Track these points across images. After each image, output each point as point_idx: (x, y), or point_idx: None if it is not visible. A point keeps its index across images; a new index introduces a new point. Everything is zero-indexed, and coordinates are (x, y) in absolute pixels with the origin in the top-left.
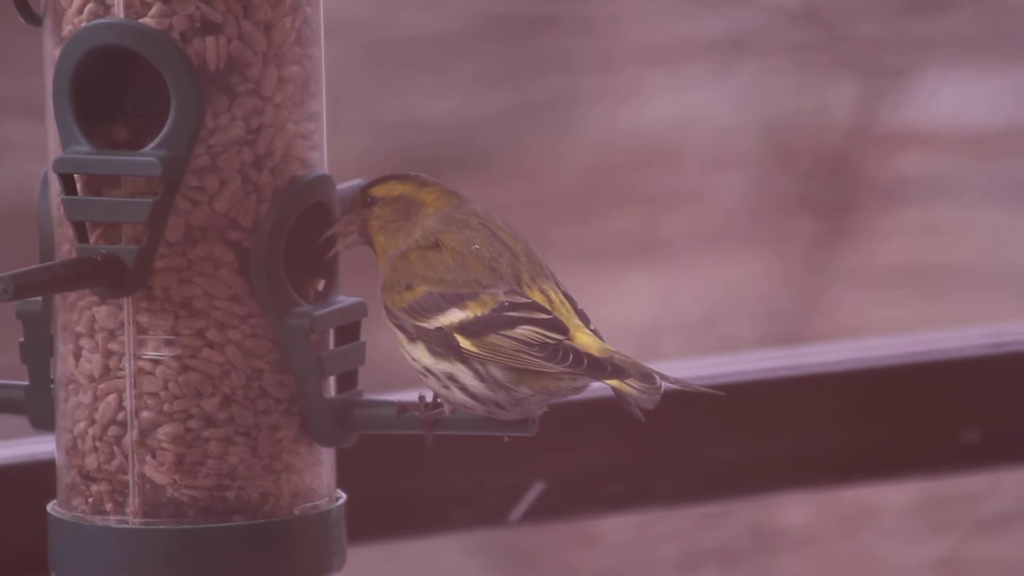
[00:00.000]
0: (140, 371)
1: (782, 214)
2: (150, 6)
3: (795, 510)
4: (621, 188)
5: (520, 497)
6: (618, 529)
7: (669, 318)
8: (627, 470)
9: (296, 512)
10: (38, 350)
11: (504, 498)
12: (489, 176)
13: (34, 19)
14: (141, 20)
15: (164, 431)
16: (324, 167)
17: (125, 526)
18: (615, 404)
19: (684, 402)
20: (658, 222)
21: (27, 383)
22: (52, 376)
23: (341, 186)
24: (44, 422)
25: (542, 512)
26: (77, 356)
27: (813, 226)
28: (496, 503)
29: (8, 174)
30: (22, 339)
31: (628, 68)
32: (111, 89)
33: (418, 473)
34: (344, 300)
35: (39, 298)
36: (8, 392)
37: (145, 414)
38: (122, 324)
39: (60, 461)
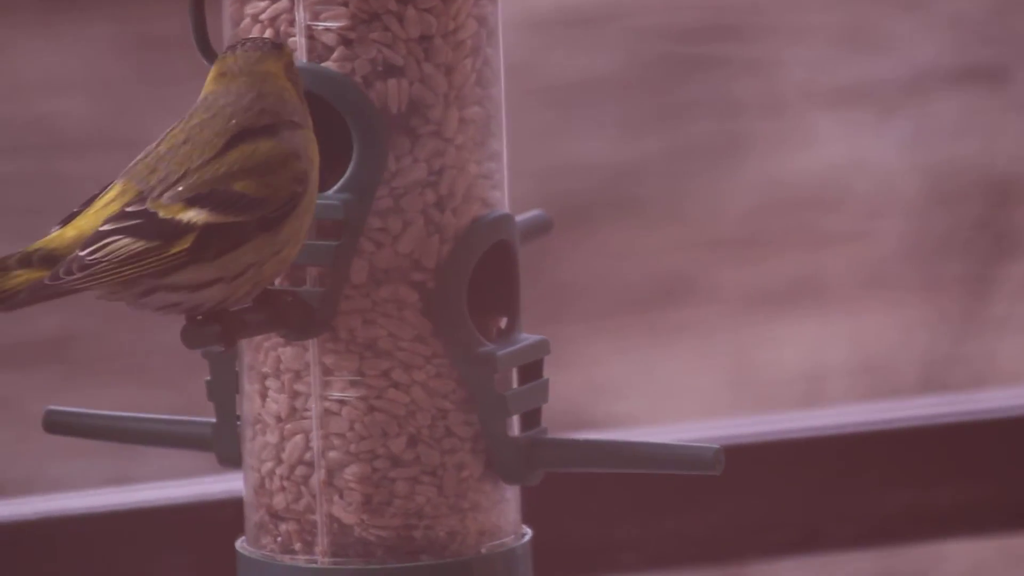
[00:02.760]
0: (327, 412)
1: (944, 259)
2: (332, 50)
3: (962, 558)
4: (782, 232)
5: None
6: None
7: (830, 363)
8: (794, 516)
9: (483, 551)
10: (225, 388)
11: (672, 543)
12: (648, 219)
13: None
14: (323, 64)
15: (351, 471)
16: (505, 207)
17: (314, 566)
18: (784, 448)
19: (852, 448)
20: (820, 266)
21: (214, 420)
22: (238, 413)
23: (521, 217)
24: (231, 459)
25: (712, 556)
26: (264, 396)
27: (975, 271)
28: (663, 548)
29: None
30: (208, 377)
31: (791, 111)
32: None
33: (587, 515)
34: (527, 338)
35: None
36: (196, 429)
37: (332, 454)
38: (308, 365)
39: (248, 499)
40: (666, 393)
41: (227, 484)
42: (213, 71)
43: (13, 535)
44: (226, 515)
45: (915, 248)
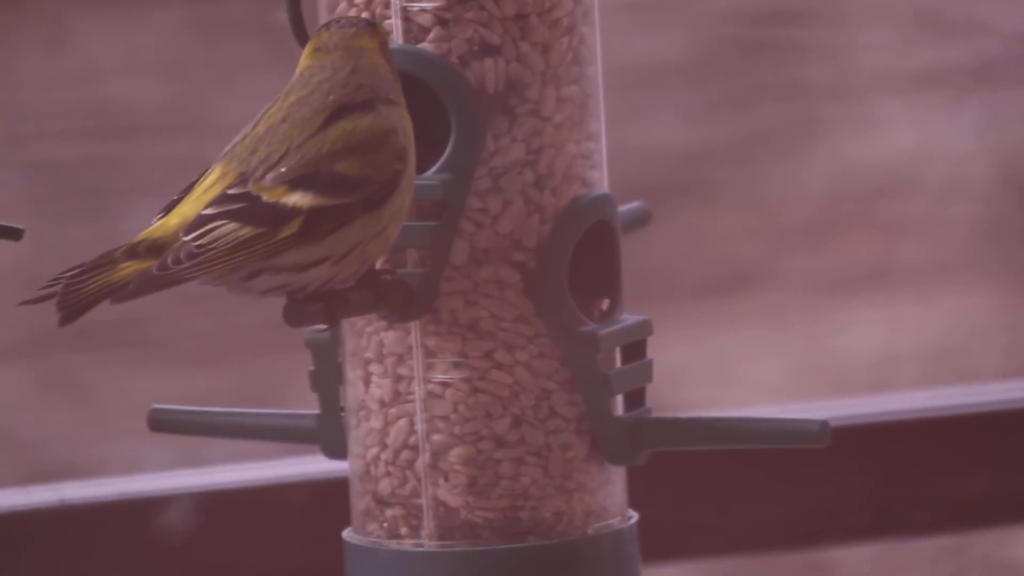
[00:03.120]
0: (430, 394)
1: (1017, 243)
2: (428, 31)
3: None
4: (854, 217)
5: (764, 527)
6: (855, 559)
7: (903, 348)
8: (869, 501)
9: (590, 531)
10: (328, 378)
11: (748, 528)
12: (717, 204)
13: None
14: (419, 45)
15: (456, 453)
16: (605, 187)
17: (421, 549)
18: (859, 433)
19: (926, 433)
20: (892, 251)
21: (318, 412)
22: (342, 404)
23: (622, 208)
24: (336, 451)
25: (787, 541)
26: (367, 382)
27: None
28: (740, 533)
29: None
30: (311, 368)
31: (863, 96)
32: None
33: (663, 498)
34: (629, 318)
35: (328, 329)
36: (301, 422)
37: (436, 437)
38: (410, 348)
39: (354, 488)
40: (738, 379)
41: (300, 467)
42: (308, 46)
43: (91, 515)
44: (299, 497)
45: (987, 233)
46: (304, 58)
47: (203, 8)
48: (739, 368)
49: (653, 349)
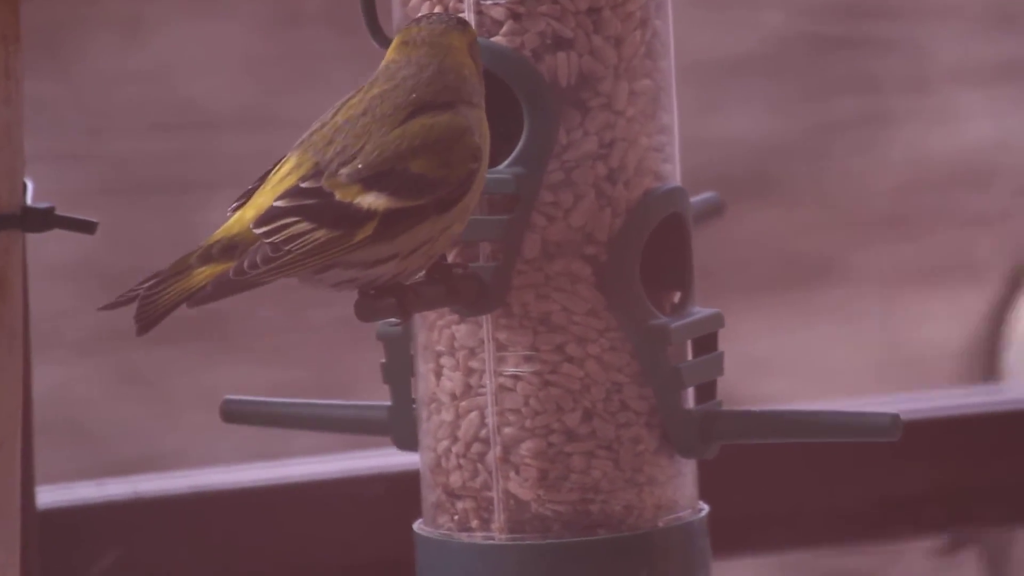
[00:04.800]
0: (501, 388)
1: None
2: (501, 24)
3: None
4: (929, 211)
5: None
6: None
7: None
8: (946, 494)
9: (660, 524)
10: (399, 371)
11: (823, 520)
12: (788, 198)
13: (386, 42)
14: (492, 39)
15: (527, 447)
16: (677, 180)
17: (492, 542)
18: (935, 426)
19: (1003, 426)
20: (967, 245)
21: (390, 404)
22: (413, 396)
23: (695, 199)
24: (407, 442)
25: (862, 533)
26: (438, 375)
27: None
28: (814, 524)
29: None
30: (383, 360)
31: (937, 89)
32: None
33: (734, 490)
34: (700, 311)
35: (400, 323)
36: (372, 413)
37: (507, 430)
38: (482, 342)
39: (425, 480)
40: (815, 371)
41: (376, 460)
42: (396, 40)
43: (167, 508)
44: (374, 491)
45: None
46: (391, 51)
47: (279, 3)
48: (817, 361)
49: (730, 342)
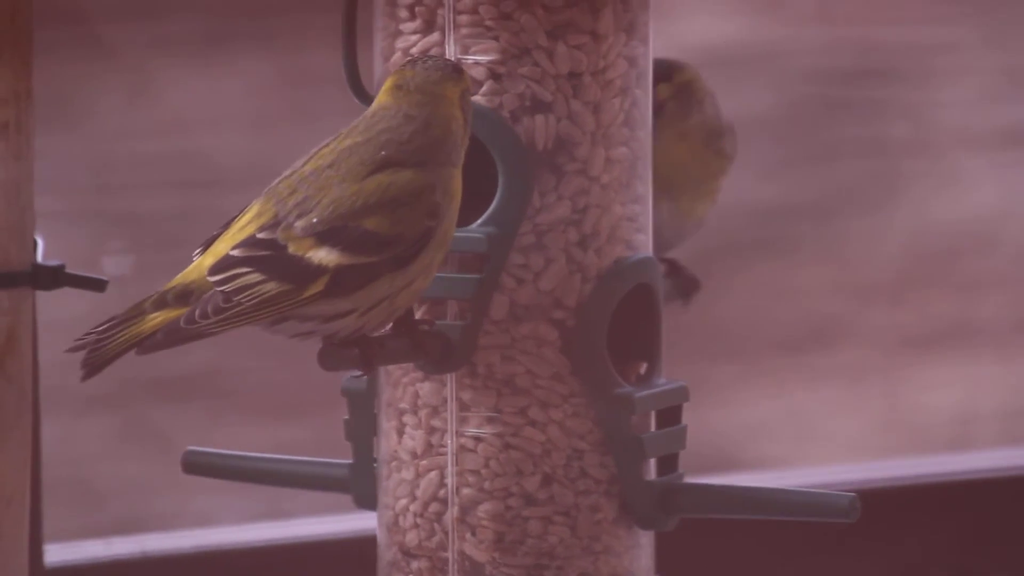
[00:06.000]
0: (462, 448)
1: None
2: (481, 84)
3: None
4: (935, 274)
5: None
6: None
7: (984, 406)
8: (946, 560)
9: None
10: (362, 428)
11: None
12: (799, 260)
13: (368, 100)
14: (472, 98)
15: (484, 508)
16: (648, 250)
17: None
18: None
19: (1004, 492)
20: (971, 310)
21: (351, 461)
22: (375, 455)
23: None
24: (368, 501)
25: None
26: (400, 432)
27: None
28: None
29: None
30: (346, 416)
31: (944, 154)
32: None
33: (694, 563)
34: (666, 383)
35: (363, 375)
36: (334, 471)
37: (466, 491)
38: (445, 401)
39: (381, 538)
40: (816, 435)
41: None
42: (389, 82)
43: (173, 567)
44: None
45: None
46: (383, 93)
47: (287, 59)
48: (818, 424)
49: (733, 405)
